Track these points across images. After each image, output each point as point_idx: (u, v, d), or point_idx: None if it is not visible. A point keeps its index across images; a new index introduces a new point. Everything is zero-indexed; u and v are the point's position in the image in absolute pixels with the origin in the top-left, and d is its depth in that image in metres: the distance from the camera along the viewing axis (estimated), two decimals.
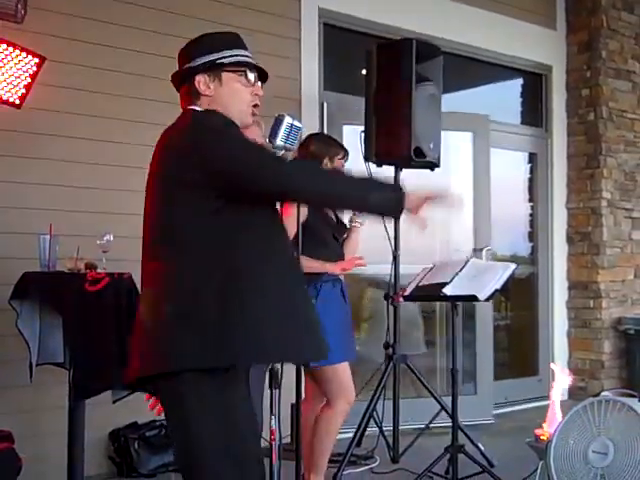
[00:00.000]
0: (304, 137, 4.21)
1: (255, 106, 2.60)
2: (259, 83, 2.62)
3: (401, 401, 5.00)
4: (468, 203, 6.46)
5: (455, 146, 6.57)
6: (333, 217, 4.23)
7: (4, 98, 4.12)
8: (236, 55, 2.57)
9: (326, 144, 4.22)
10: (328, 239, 4.09)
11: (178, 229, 2.41)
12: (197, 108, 2.55)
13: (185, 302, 2.35)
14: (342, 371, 4.04)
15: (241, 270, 2.37)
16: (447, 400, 4.67)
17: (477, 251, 6.42)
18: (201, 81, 2.54)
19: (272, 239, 2.48)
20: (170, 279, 2.40)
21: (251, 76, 2.58)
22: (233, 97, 2.56)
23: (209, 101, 2.54)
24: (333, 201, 2.45)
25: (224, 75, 2.55)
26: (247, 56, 2.60)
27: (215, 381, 2.33)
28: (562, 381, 4.32)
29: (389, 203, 2.44)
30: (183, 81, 2.60)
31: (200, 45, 2.60)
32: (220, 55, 2.55)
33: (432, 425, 4.99)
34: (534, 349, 7.30)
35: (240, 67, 2.57)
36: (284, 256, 2.52)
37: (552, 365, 4.72)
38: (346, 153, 4.24)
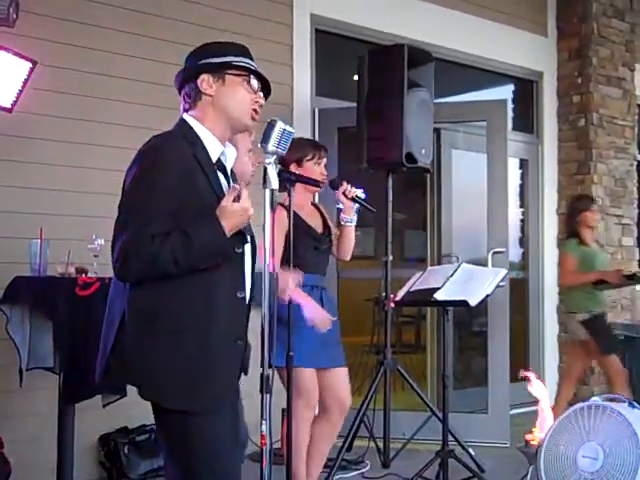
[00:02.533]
0: None
1: (255, 111, 2.62)
2: (261, 93, 2.65)
3: (394, 413, 5.00)
4: (482, 201, 6.27)
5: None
6: (317, 226, 4.17)
7: None
8: (242, 61, 2.61)
9: (293, 148, 4.09)
10: (305, 252, 3.95)
11: None
12: (187, 117, 2.58)
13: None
14: (306, 376, 3.92)
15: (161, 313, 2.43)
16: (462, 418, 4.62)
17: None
18: (205, 80, 2.57)
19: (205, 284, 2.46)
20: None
21: (254, 83, 2.61)
22: (234, 98, 2.58)
23: (210, 101, 2.57)
24: (164, 274, 2.38)
25: (228, 77, 2.58)
26: (253, 65, 2.63)
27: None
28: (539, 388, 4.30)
29: (218, 253, 2.43)
30: (186, 80, 2.62)
31: (208, 49, 2.65)
32: (226, 59, 2.58)
33: (427, 441, 4.99)
34: (524, 354, 7.31)
35: (244, 72, 2.59)
36: (209, 303, 2.46)
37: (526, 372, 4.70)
38: (317, 153, 4.11)
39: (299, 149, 4.03)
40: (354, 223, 4.19)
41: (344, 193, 4.05)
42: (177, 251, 2.34)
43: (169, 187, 2.40)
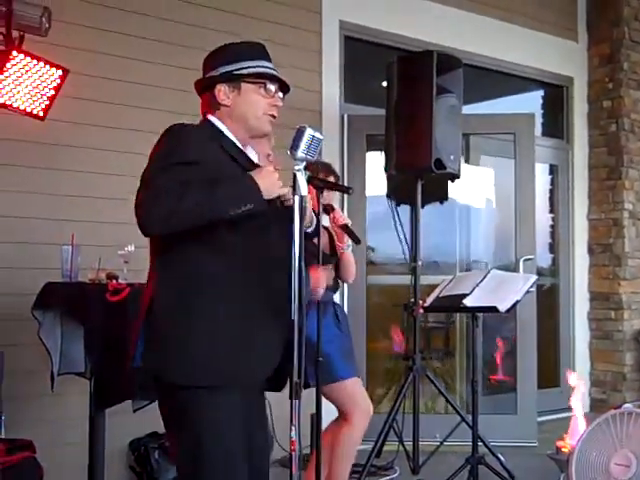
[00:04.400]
0: None
1: (272, 117, 2.64)
2: (280, 94, 2.66)
3: (425, 416, 4.98)
4: (510, 209, 6.42)
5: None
6: (324, 246, 4.13)
7: (28, 110, 4.16)
8: (257, 66, 2.61)
9: None
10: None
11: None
12: (211, 118, 2.63)
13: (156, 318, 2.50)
14: (352, 386, 4.02)
15: (191, 289, 2.46)
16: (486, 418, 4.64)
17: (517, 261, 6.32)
18: (221, 90, 2.60)
19: (232, 261, 2.48)
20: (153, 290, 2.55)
21: (271, 87, 2.62)
22: (250, 108, 2.61)
23: (227, 111, 2.61)
24: (191, 222, 2.37)
25: (244, 86, 2.60)
26: (269, 67, 2.64)
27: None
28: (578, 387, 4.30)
29: (244, 196, 2.41)
30: (205, 89, 2.66)
31: (223, 54, 2.66)
32: (241, 65, 2.60)
33: (457, 442, 4.96)
34: (555, 360, 7.26)
35: (260, 79, 2.60)
36: (237, 282, 2.48)
37: (569, 375, 4.71)
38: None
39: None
40: (349, 249, 4.14)
41: (333, 220, 4.00)
42: (204, 188, 2.35)
43: (192, 157, 2.43)
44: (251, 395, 2.61)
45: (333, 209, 3.96)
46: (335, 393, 3.96)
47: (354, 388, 4.05)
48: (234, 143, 2.60)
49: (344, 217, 3.97)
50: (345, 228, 3.97)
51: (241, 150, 2.62)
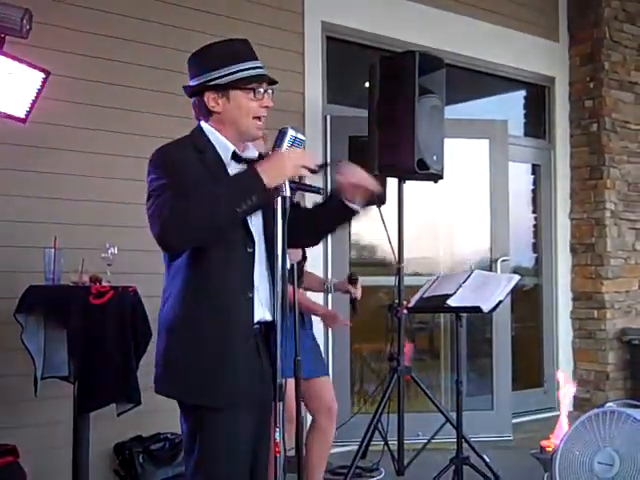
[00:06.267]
0: None
1: (259, 118, 2.62)
2: (269, 91, 2.64)
3: (408, 415, 4.98)
4: (485, 212, 6.52)
5: (471, 154, 6.62)
6: None
7: (9, 113, 4.13)
8: (244, 69, 2.57)
9: None
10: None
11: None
12: (203, 124, 2.63)
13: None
14: (320, 385, 4.08)
15: (179, 304, 2.51)
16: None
17: (493, 262, 6.47)
18: (210, 97, 2.57)
19: (214, 276, 2.50)
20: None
21: (260, 89, 2.59)
22: (241, 113, 2.58)
23: (218, 117, 2.60)
24: (209, 228, 2.41)
25: (232, 92, 2.57)
26: (255, 67, 2.60)
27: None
28: (568, 390, 4.32)
29: (249, 190, 2.41)
30: (193, 94, 2.64)
31: (209, 58, 2.61)
32: (227, 71, 2.55)
33: (439, 440, 4.97)
34: (539, 360, 7.29)
35: (249, 83, 2.58)
36: (223, 296, 2.50)
37: (558, 374, 4.73)
38: None
39: None
40: None
41: None
42: (211, 189, 2.39)
43: (185, 172, 2.47)
44: (253, 409, 2.59)
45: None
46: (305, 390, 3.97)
47: (322, 388, 4.08)
48: (218, 155, 2.58)
49: None
50: None
51: (223, 163, 2.59)
